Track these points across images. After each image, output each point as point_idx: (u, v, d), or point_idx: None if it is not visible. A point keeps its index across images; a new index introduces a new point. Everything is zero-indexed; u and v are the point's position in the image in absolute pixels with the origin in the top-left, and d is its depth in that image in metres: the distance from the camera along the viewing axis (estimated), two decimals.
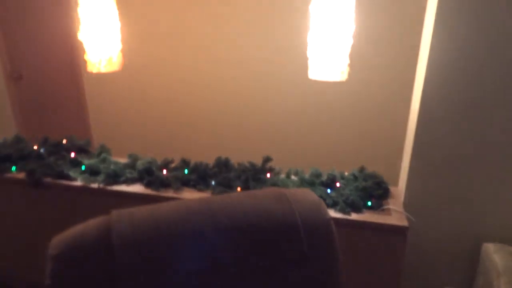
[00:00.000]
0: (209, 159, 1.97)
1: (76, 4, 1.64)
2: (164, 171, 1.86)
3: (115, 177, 1.82)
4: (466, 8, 1.33)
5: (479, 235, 1.56)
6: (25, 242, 2.01)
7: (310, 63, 1.49)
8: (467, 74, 1.38)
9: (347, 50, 1.43)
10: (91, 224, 0.90)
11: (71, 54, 3.26)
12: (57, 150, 2.04)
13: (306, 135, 2.97)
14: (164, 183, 1.78)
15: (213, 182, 1.81)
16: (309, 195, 1.09)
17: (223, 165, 1.89)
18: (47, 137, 2.12)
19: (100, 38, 1.64)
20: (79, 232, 0.87)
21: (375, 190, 1.63)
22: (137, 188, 1.80)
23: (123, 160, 2.00)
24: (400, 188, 1.76)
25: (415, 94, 1.59)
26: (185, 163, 1.93)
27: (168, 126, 3.30)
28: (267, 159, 1.83)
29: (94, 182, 1.82)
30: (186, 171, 1.89)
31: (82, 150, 2.07)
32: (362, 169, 1.77)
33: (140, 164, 1.87)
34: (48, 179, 1.88)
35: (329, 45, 1.41)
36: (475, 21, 1.34)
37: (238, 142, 3.12)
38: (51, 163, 1.91)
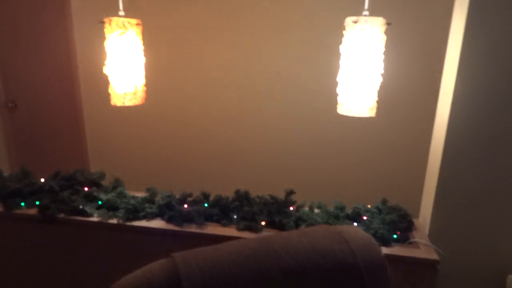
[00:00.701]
0: (224, 191, 1.95)
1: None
2: (185, 206, 1.82)
3: (134, 212, 1.77)
4: (491, 44, 1.41)
5: (505, 267, 1.59)
6: (39, 282, 1.90)
7: (340, 99, 1.53)
8: (493, 107, 1.45)
9: (376, 87, 1.48)
10: (155, 269, 0.86)
11: (71, 83, 3.22)
12: (70, 184, 1.98)
13: (326, 167, 3.00)
14: (186, 218, 1.74)
15: (235, 216, 1.79)
16: (359, 232, 1.10)
17: (244, 198, 1.87)
18: (59, 171, 2.05)
19: (126, 72, 1.64)
20: (145, 278, 0.84)
21: (400, 223, 1.65)
22: (158, 223, 1.75)
23: (136, 194, 1.95)
24: (421, 220, 1.78)
25: (437, 128, 1.65)
26: (205, 196, 1.90)
27: (171, 157, 3.27)
28: (290, 192, 1.83)
29: (112, 218, 1.76)
30: (206, 204, 1.86)
31: (95, 184, 2.01)
32: (384, 202, 1.80)
33: (160, 199, 1.83)
34: (62, 215, 1.81)
35: (360, 83, 1.46)
36: (500, 57, 1.42)
37: (256, 174, 3.12)
38: (65, 198, 1.84)
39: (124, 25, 1.58)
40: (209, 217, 1.76)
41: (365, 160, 2.91)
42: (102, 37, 3.00)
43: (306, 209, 1.82)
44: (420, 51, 2.62)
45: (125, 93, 1.66)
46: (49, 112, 3.36)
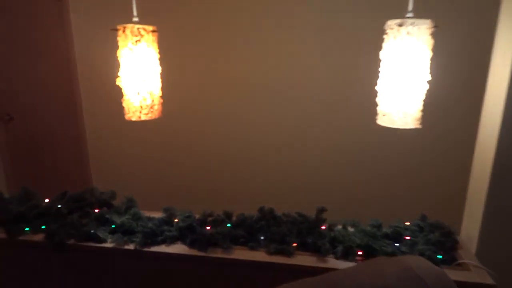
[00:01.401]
0: (246, 209, 1.81)
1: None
2: (208, 227, 1.67)
3: (152, 237, 1.61)
4: None
5: None
6: None
7: (380, 109, 1.39)
8: None
9: (422, 96, 1.35)
10: None
11: (71, 93, 3.04)
12: (79, 205, 1.81)
13: (358, 180, 2.86)
14: (210, 242, 1.58)
15: (262, 237, 1.64)
16: (430, 265, 0.96)
17: (270, 217, 1.73)
18: (66, 191, 1.89)
19: (142, 84, 1.49)
20: None
21: (447, 243, 1.51)
22: (179, 248, 1.59)
23: (150, 214, 1.80)
24: (464, 237, 1.65)
25: (484, 138, 1.52)
26: (227, 216, 1.75)
27: (181, 172, 3.10)
28: (321, 210, 1.68)
29: (128, 243, 1.61)
30: (229, 225, 1.71)
31: (106, 204, 1.85)
32: (424, 218, 1.66)
33: (180, 220, 1.67)
34: (72, 241, 1.64)
35: (405, 91, 1.32)
36: None
37: (281, 190, 2.97)
38: (74, 222, 1.68)
39: (139, 32, 1.43)
40: (234, 240, 1.61)
41: (398, 173, 2.77)
42: (103, 44, 2.85)
43: (339, 227, 1.68)
44: (461, 55, 2.48)
45: (141, 107, 1.50)
46: (47, 125, 3.18)
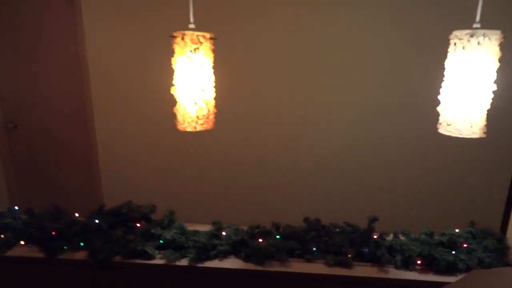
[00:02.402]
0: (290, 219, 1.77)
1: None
2: (260, 240, 1.62)
3: (205, 251, 1.55)
4: None
5: None
6: None
7: (444, 118, 1.39)
8: None
9: (488, 106, 1.36)
10: None
11: (81, 98, 2.91)
12: (118, 220, 1.73)
13: (406, 187, 2.87)
14: (266, 255, 1.54)
15: (314, 248, 1.61)
16: None
17: (320, 227, 1.70)
18: (103, 205, 1.80)
19: (200, 94, 1.44)
20: None
21: (502, 249, 1.53)
22: (233, 262, 1.54)
23: (193, 227, 1.73)
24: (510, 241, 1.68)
25: None
26: (276, 228, 1.71)
27: (195, 180, 3.02)
28: (373, 219, 1.67)
29: (179, 259, 1.54)
30: (278, 236, 1.67)
31: (145, 218, 1.77)
32: (473, 224, 1.68)
33: (231, 234, 1.62)
34: (118, 258, 1.56)
35: (472, 101, 1.33)
36: None
37: (328, 198, 2.93)
38: (119, 238, 1.60)
39: (198, 40, 1.38)
40: (289, 252, 1.58)
41: (447, 179, 2.81)
42: (116, 47, 2.75)
43: (391, 236, 1.67)
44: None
45: (197, 117, 1.45)
46: (54, 133, 3.03)
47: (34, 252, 1.61)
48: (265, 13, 2.66)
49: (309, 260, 1.55)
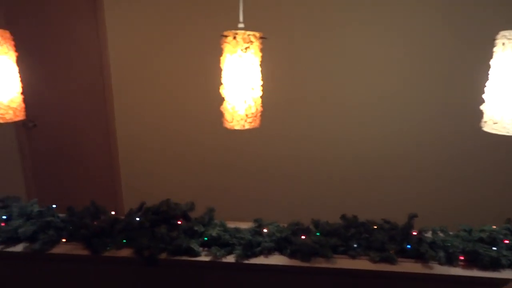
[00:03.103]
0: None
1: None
2: (303, 237, 1.64)
3: (251, 248, 1.57)
4: None
5: None
6: None
7: (490, 117, 1.43)
8: None
9: None
10: None
11: (102, 99, 2.92)
12: (160, 218, 1.73)
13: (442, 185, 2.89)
14: (311, 252, 1.56)
15: (355, 245, 1.63)
16: None
17: (359, 224, 1.72)
18: (143, 202, 1.81)
19: (249, 93, 1.45)
20: None
21: None
22: (279, 259, 1.56)
23: (232, 224, 1.75)
24: None
25: None
26: (316, 225, 1.73)
27: (217, 172, 3.04)
28: (413, 216, 1.69)
29: (225, 256, 1.56)
30: (318, 233, 1.69)
31: (184, 216, 1.78)
32: (510, 221, 1.71)
33: (275, 231, 1.64)
34: (164, 255, 1.57)
35: None
36: None
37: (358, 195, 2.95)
38: (163, 235, 1.61)
39: (249, 39, 1.40)
40: (334, 248, 1.60)
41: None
42: (138, 48, 2.76)
43: (429, 233, 1.70)
44: None
45: (246, 115, 1.47)
46: (74, 133, 3.04)
47: (78, 250, 1.62)
48: (304, 14, 2.67)
49: (353, 257, 1.57)
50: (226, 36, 1.41)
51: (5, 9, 2.72)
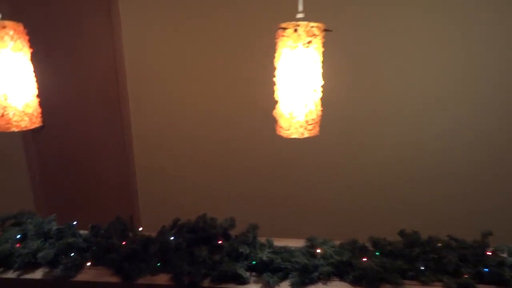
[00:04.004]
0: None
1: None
2: (364, 259, 1.44)
3: (307, 274, 1.36)
4: None
5: None
6: None
7: None
8: None
9: None
10: None
11: (117, 102, 2.69)
12: (197, 236, 1.53)
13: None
14: (377, 277, 1.36)
15: (421, 268, 1.43)
16: None
17: (424, 243, 1.52)
18: (178, 219, 1.60)
19: (311, 96, 1.24)
20: None
21: None
22: (340, 286, 1.35)
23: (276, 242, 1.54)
24: None
25: None
26: (374, 243, 1.53)
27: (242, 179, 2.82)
28: (487, 233, 1.50)
29: (279, 282, 1.35)
30: (377, 253, 1.49)
31: (224, 234, 1.57)
32: None
33: (332, 253, 1.43)
34: (207, 282, 1.37)
35: None
36: None
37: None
38: (206, 259, 1.40)
39: (313, 32, 1.18)
40: (402, 273, 1.40)
41: None
42: (156, 47, 2.53)
43: (504, 253, 1.50)
44: None
45: (306, 122, 1.26)
46: (85, 136, 2.81)
47: (106, 276, 1.41)
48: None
49: (424, 283, 1.37)
50: (284, 29, 1.20)
51: None
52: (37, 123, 1.43)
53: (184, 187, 2.81)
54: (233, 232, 1.60)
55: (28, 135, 2.79)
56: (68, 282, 1.39)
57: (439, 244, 1.54)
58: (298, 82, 1.23)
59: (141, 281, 1.39)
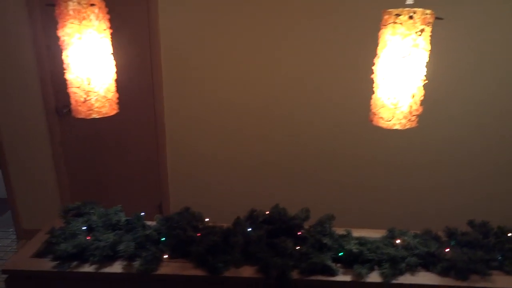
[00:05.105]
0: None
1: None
2: (446, 250, 1.44)
3: (396, 265, 1.36)
4: None
5: None
6: None
7: None
8: None
9: None
10: None
11: (150, 83, 2.57)
12: (275, 228, 1.49)
13: None
14: (468, 268, 1.36)
15: (499, 257, 1.45)
16: None
17: (496, 232, 1.53)
18: (254, 210, 1.55)
19: (415, 86, 1.21)
20: None
21: None
22: (428, 278, 1.35)
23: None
24: None
25: None
26: (450, 233, 1.53)
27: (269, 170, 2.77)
28: None
29: (368, 274, 1.34)
30: (452, 243, 1.50)
31: (298, 226, 1.54)
32: None
33: (416, 243, 1.43)
34: (296, 275, 1.34)
35: None
36: None
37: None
38: (293, 251, 1.37)
39: (428, 19, 1.14)
40: (485, 263, 1.41)
41: None
42: (195, 25, 2.41)
43: None
44: None
45: (410, 113, 1.22)
46: (113, 119, 2.68)
47: (189, 269, 1.37)
48: None
49: (509, 273, 1.39)
50: (397, 15, 1.15)
51: None
52: (115, 109, 1.34)
53: (216, 171, 2.75)
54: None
55: (53, 117, 2.65)
56: (151, 275, 1.34)
57: (510, 234, 1.57)
58: (406, 71, 1.19)
59: (226, 274, 1.35)
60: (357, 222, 1.68)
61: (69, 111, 2.67)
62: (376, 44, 1.23)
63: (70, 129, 2.72)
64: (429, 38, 1.20)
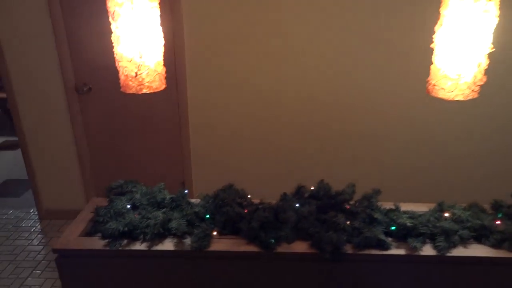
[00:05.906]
0: None
1: None
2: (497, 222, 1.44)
3: (450, 237, 1.36)
4: None
5: None
6: None
7: None
8: None
9: None
10: None
11: (172, 62, 2.49)
12: (325, 203, 1.48)
13: None
14: None
15: None
16: None
17: None
18: (301, 185, 1.53)
19: (478, 57, 1.17)
20: None
21: None
22: (480, 250, 1.35)
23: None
24: None
25: None
26: (495, 206, 1.53)
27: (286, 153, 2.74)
28: None
29: (421, 247, 1.34)
30: (499, 215, 1.50)
31: (345, 201, 1.52)
32: None
33: (467, 216, 1.42)
34: (350, 249, 1.34)
35: None
36: None
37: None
38: (346, 226, 1.36)
39: None
40: None
41: None
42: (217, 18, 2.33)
43: None
44: None
45: (474, 83, 1.19)
46: (135, 99, 2.63)
47: (242, 245, 1.36)
48: None
49: None
50: None
51: None
52: (163, 84, 1.29)
53: (238, 152, 2.72)
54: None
55: (73, 97, 2.59)
56: (203, 252, 1.33)
57: None
58: (473, 40, 1.14)
59: (279, 249, 1.34)
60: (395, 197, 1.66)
61: (89, 89, 2.62)
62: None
63: (91, 108, 2.67)
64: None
